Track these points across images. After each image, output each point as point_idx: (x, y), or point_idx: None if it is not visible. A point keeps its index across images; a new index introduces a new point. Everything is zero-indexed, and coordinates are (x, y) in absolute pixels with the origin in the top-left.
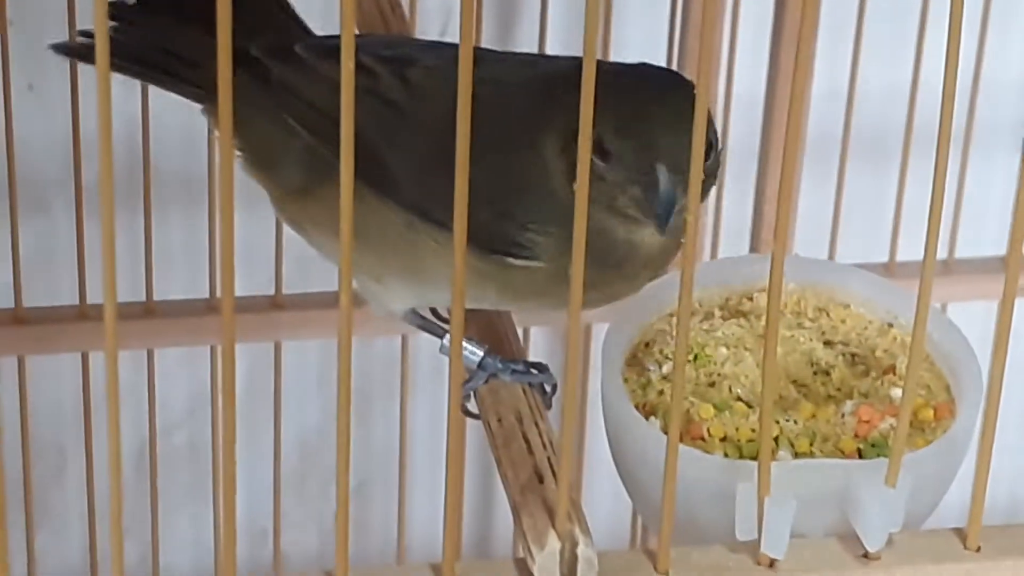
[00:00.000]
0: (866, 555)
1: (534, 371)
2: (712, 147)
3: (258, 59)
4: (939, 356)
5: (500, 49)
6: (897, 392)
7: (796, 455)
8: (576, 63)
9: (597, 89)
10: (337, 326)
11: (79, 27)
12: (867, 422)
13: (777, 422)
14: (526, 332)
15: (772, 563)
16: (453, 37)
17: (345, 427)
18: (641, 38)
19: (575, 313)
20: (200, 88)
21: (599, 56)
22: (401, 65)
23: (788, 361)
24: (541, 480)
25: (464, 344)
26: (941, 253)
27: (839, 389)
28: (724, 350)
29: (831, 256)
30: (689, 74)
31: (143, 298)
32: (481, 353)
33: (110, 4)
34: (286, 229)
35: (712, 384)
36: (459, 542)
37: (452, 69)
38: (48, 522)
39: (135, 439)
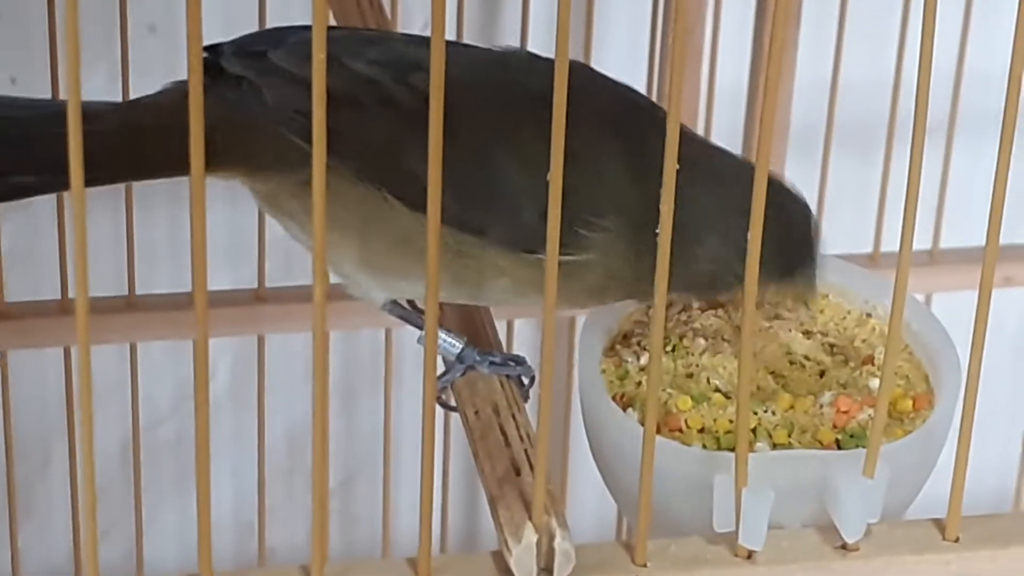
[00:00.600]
0: (844, 546)
1: (512, 363)
2: None
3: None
4: (918, 346)
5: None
6: (876, 382)
7: (774, 446)
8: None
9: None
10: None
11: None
12: (845, 413)
13: (755, 413)
14: (510, 324)
15: (750, 555)
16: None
17: (321, 425)
18: (623, 32)
19: (550, 305)
20: None
21: (582, 51)
22: (403, 71)
23: (766, 352)
24: (518, 473)
25: (443, 336)
26: (926, 243)
27: (818, 380)
28: (702, 341)
29: None
30: (670, 67)
31: (126, 292)
32: (460, 345)
33: None
34: (269, 223)
35: (690, 375)
36: (430, 536)
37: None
38: (32, 516)
39: (120, 433)
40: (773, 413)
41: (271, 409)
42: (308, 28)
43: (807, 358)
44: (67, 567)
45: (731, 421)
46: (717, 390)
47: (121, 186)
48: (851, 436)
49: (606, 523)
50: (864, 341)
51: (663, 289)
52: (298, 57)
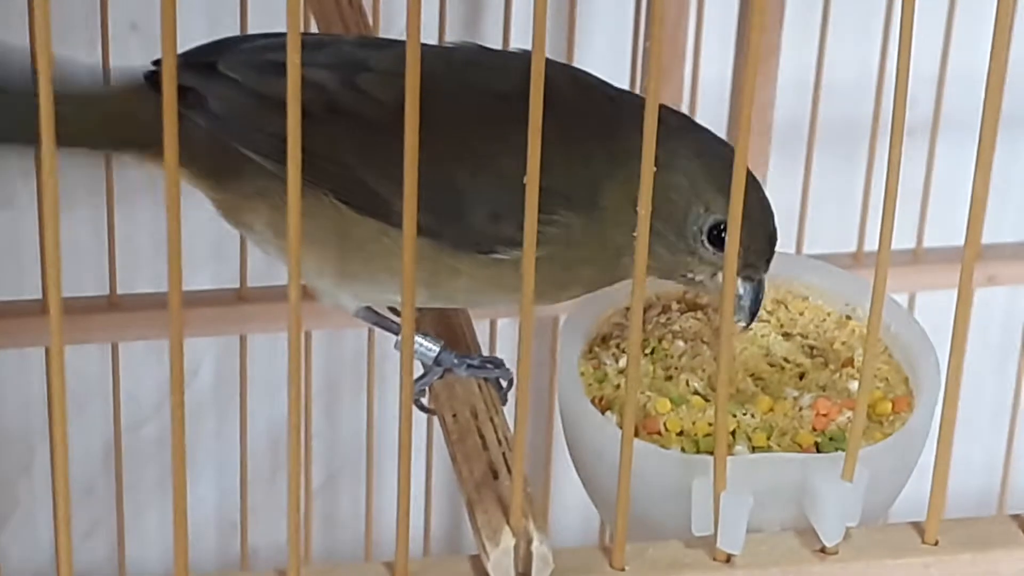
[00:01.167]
0: (823, 550)
1: (490, 366)
2: None
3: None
4: (897, 349)
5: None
6: (855, 385)
7: (753, 449)
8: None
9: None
10: (306, 319)
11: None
12: (825, 415)
13: (734, 416)
14: (492, 324)
15: (729, 558)
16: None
17: (296, 426)
18: (606, 31)
19: (527, 307)
20: None
21: (564, 50)
22: (350, 74)
23: (745, 354)
24: (496, 476)
25: (420, 340)
26: (910, 242)
27: (797, 382)
28: (681, 343)
29: (799, 246)
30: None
31: (107, 291)
32: (437, 348)
33: None
34: None
35: (669, 378)
36: (407, 540)
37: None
38: (15, 515)
39: (102, 433)
40: (752, 416)
41: (254, 409)
42: (261, 36)
43: (786, 360)
44: (49, 566)
45: (710, 424)
46: (696, 393)
47: (103, 186)
48: (830, 439)
49: (591, 526)
50: (844, 343)
51: (641, 293)
52: (247, 67)
